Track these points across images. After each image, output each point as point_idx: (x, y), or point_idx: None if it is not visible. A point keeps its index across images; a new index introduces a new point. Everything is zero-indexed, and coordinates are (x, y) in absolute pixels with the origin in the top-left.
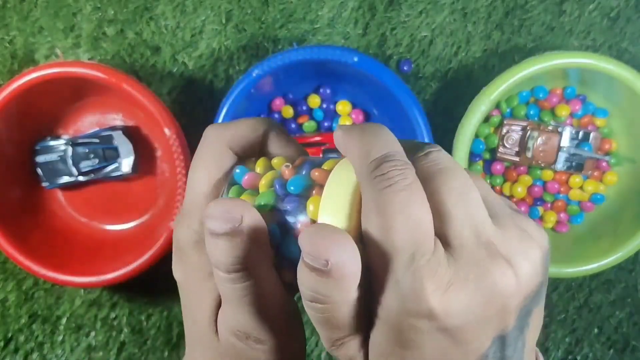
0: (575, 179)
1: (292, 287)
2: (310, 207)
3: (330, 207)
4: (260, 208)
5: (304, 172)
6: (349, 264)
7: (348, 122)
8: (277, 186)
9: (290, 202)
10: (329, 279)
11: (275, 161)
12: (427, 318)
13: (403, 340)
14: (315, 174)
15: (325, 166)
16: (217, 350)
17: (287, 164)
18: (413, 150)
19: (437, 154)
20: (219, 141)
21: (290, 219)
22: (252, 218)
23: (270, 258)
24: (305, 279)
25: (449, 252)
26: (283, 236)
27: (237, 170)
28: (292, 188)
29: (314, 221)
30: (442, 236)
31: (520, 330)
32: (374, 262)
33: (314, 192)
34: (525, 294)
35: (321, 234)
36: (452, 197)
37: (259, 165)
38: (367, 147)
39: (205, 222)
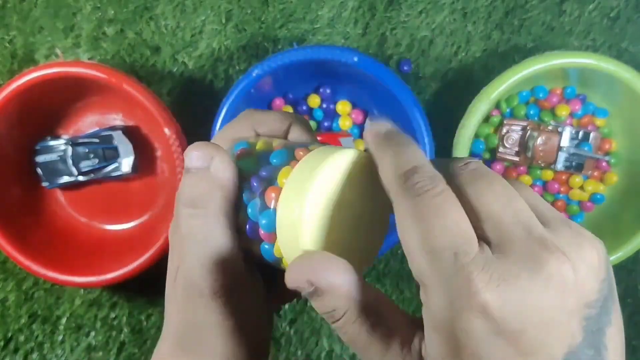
0: (575, 179)
1: (249, 254)
2: (284, 178)
3: (296, 178)
4: (240, 169)
5: (289, 149)
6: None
7: (348, 123)
8: (261, 156)
9: (266, 170)
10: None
11: (275, 142)
12: (480, 315)
13: (458, 347)
14: (300, 153)
15: (312, 147)
16: (179, 304)
17: (280, 141)
18: (450, 163)
19: (477, 164)
20: (246, 121)
21: (261, 184)
22: (221, 162)
23: (230, 209)
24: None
25: (499, 251)
26: (250, 199)
27: (237, 144)
28: (274, 160)
29: (281, 188)
30: (491, 238)
31: (594, 350)
32: (417, 268)
33: (289, 164)
34: (585, 298)
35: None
36: (499, 199)
37: (259, 144)
38: (397, 159)
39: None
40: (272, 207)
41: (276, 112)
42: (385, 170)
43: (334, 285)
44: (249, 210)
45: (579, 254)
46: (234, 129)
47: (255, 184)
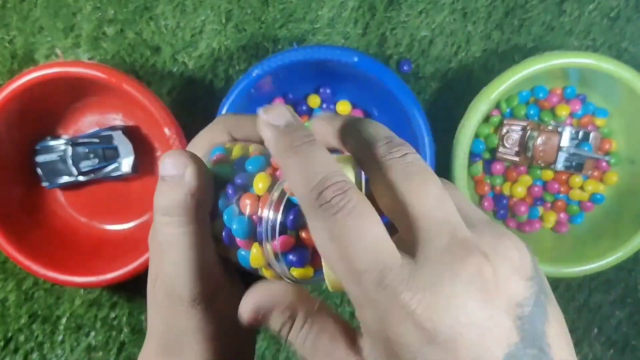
0: (575, 179)
1: (228, 260)
2: (259, 184)
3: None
4: (216, 175)
5: (266, 155)
6: None
7: None
8: (237, 162)
9: (241, 177)
10: None
11: (252, 148)
12: (412, 327)
13: (395, 356)
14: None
15: None
16: (160, 310)
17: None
18: (381, 144)
19: (413, 156)
20: (221, 126)
21: (236, 191)
22: (195, 170)
23: (205, 216)
24: None
25: (421, 253)
26: (226, 206)
27: (214, 149)
28: (250, 167)
29: (259, 196)
30: (416, 237)
31: (537, 349)
32: (346, 288)
33: (264, 171)
34: (513, 297)
35: None
36: (431, 200)
37: (235, 149)
38: (304, 169)
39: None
40: (246, 213)
41: (252, 115)
42: (293, 183)
43: (278, 300)
44: (225, 217)
45: (500, 254)
46: (211, 134)
47: (230, 191)
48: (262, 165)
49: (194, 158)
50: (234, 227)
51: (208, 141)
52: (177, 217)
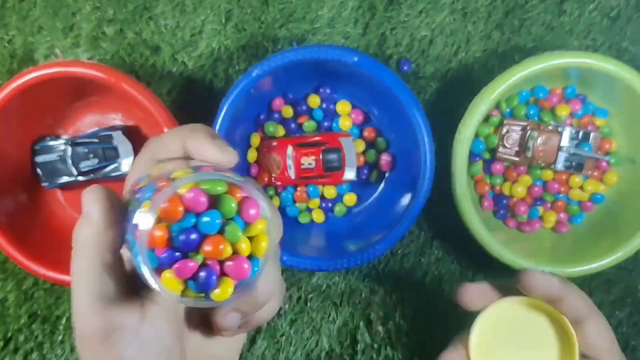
0: (575, 179)
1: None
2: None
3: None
4: (128, 208)
5: (153, 182)
6: None
7: (348, 123)
8: (137, 192)
9: (133, 207)
10: None
11: (170, 167)
12: None
13: None
14: (161, 183)
15: (174, 175)
16: (76, 344)
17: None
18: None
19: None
20: (147, 154)
21: (132, 225)
22: (102, 207)
23: (108, 254)
24: None
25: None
26: (130, 241)
27: (138, 178)
28: (146, 195)
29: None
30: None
31: None
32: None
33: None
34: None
35: None
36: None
37: (155, 171)
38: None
39: None
40: (141, 247)
41: (169, 132)
42: (581, 299)
43: None
44: (132, 250)
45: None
46: (138, 164)
47: (127, 227)
48: (152, 193)
49: (104, 194)
50: (134, 261)
51: (138, 171)
52: (81, 253)
